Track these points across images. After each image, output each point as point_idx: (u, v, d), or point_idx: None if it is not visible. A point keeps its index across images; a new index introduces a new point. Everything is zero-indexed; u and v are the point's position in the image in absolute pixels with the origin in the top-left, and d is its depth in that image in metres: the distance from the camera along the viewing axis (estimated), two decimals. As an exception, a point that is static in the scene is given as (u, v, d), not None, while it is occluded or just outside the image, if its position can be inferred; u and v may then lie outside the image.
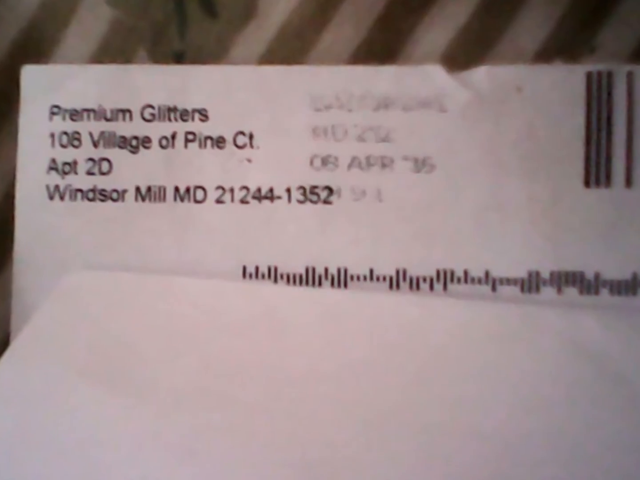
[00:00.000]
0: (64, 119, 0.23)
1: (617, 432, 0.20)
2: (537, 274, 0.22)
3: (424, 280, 0.22)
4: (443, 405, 0.21)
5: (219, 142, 0.23)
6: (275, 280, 0.23)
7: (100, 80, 0.23)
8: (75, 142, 0.23)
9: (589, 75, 0.22)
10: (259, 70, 0.23)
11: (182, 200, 0.23)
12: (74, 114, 0.23)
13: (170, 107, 0.23)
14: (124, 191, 0.23)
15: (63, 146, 0.23)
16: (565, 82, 0.22)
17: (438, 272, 0.22)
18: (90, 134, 0.23)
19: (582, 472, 0.20)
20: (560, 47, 0.23)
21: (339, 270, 0.22)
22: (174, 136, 0.23)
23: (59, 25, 0.24)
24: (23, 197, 0.23)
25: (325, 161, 0.23)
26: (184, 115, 0.23)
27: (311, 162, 0.23)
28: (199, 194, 0.23)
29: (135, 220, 0.23)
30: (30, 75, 0.23)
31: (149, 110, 0.23)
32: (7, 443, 0.20)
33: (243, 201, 0.23)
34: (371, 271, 0.22)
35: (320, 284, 0.22)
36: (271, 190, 0.23)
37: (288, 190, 0.23)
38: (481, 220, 0.22)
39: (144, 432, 0.20)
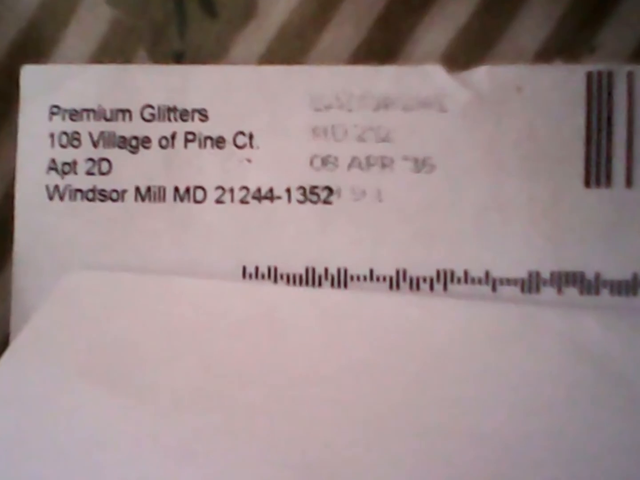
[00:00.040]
0: (63, 119, 0.23)
1: (617, 433, 0.20)
2: (538, 274, 0.22)
3: (424, 280, 0.22)
4: (443, 405, 0.21)
5: (219, 142, 0.23)
6: (275, 281, 0.23)
7: (99, 80, 0.23)
8: (75, 142, 0.23)
9: (589, 75, 0.22)
10: (259, 70, 0.23)
11: (181, 200, 0.23)
12: (74, 114, 0.23)
13: (170, 107, 0.23)
14: (124, 191, 0.23)
15: (63, 146, 0.23)
16: (565, 82, 0.22)
17: (438, 273, 0.22)
18: (90, 134, 0.23)
19: (583, 473, 0.20)
20: (561, 47, 0.23)
21: (339, 271, 0.22)
22: (173, 136, 0.23)
23: (59, 25, 0.24)
24: (22, 197, 0.23)
25: (325, 161, 0.23)
26: (184, 115, 0.23)
27: (311, 162, 0.23)
28: (199, 194, 0.23)
29: (135, 220, 0.23)
30: (30, 75, 0.23)
31: (149, 110, 0.23)
32: (6, 443, 0.20)
33: (243, 201, 0.23)
34: (371, 271, 0.22)
35: (320, 284, 0.22)
36: (271, 190, 0.23)
37: (288, 191, 0.23)
38: (481, 220, 0.22)
39: (143, 432, 0.20)
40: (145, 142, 0.23)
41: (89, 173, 0.23)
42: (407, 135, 0.23)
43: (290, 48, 0.23)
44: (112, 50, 0.24)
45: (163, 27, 0.23)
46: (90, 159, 0.23)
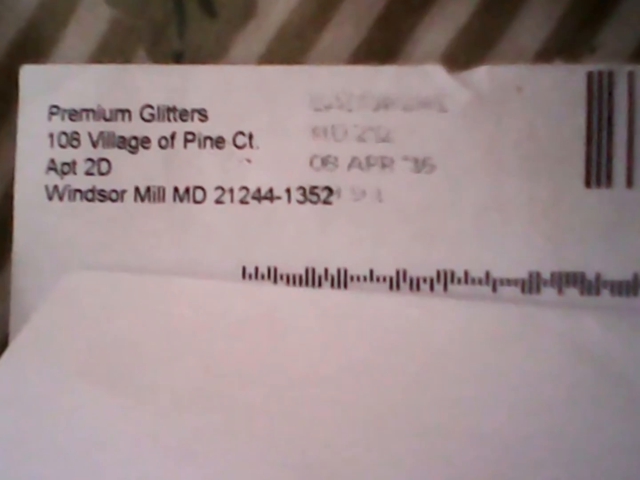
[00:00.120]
0: (62, 119, 0.23)
1: (618, 433, 0.20)
2: (538, 274, 0.22)
3: (424, 280, 0.22)
4: (443, 406, 0.21)
5: (219, 142, 0.23)
6: (275, 281, 0.23)
7: (99, 80, 0.23)
8: (74, 142, 0.23)
9: (589, 75, 0.22)
10: (259, 70, 0.23)
11: (181, 200, 0.23)
12: (73, 114, 0.23)
13: (170, 107, 0.23)
14: (123, 191, 0.23)
15: (62, 146, 0.23)
16: (565, 82, 0.22)
17: (438, 273, 0.22)
18: (89, 134, 0.23)
19: (583, 474, 0.20)
20: (561, 47, 0.23)
21: (338, 271, 0.22)
22: (173, 136, 0.23)
23: (58, 25, 0.24)
24: (22, 197, 0.23)
25: (325, 161, 0.23)
26: (184, 115, 0.23)
27: (311, 162, 0.23)
28: (199, 194, 0.23)
29: (134, 220, 0.23)
30: (29, 75, 0.23)
31: (148, 110, 0.23)
32: (6, 444, 0.20)
33: (243, 201, 0.23)
34: (371, 272, 0.22)
35: (320, 284, 0.22)
36: (271, 190, 0.23)
37: (288, 191, 0.23)
38: (482, 220, 0.22)
39: (143, 433, 0.20)
40: (144, 142, 0.23)
41: (89, 173, 0.23)
42: (407, 135, 0.23)
43: (290, 48, 0.23)
44: (112, 50, 0.24)
45: (162, 27, 0.23)
46: (90, 159, 0.23)
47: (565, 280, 0.22)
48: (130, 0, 0.24)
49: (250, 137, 0.23)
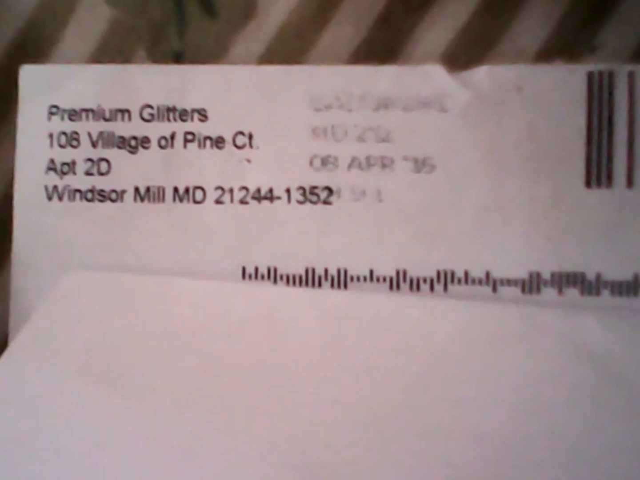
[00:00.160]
0: (62, 119, 0.23)
1: (618, 434, 0.20)
2: (538, 274, 0.22)
3: (425, 281, 0.22)
4: (443, 406, 0.21)
5: (218, 142, 0.23)
6: (275, 281, 0.23)
7: (99, 80, 0.23)
8: (74, 142, 0.23)
9: (590, 75, 0.22)
10: (259, 70, 0.23)
11: (181, 200, 0.23)
12: (73, 114, 0.23)
13: (169, 107, 0.23)
14: (123, 191, 0.23)
15: (61, 146, 0.23)
16: (566, 82, 0.22)
17: (438, 273, 0.22)
18: (89, 134, 0.23)
19: (584, 474, 0.20)
20: (561, 47, 0.23)
21: (338, 271, 0.22)
22: (173, 136, 0.23)
23: (58, 25, 0.24)
24: (21, 197, 0.23)
25: (325, 161, 0.23)
26: (183, 115, 0.23)
27: (311, 163, 0.23)
28: (198, 195, 0.23)
29: (134, 220, 0.23)
30: (29, 75, 0.23)
31: (148, 110, 0.23)
32: (5, 444, 0.20)
33: (242, 202, 0.23)
34: (371, 272, 0.22)
35: (320, 284, 0.22)
36: (271, 190, 0.23)
37: (288, 191, 0.23)
38: (482, 220, 0.22)
39: (142, 433, 0.20)
40: (144, 142, 0.23)
41: (88, 173, 0.23)
42: (407, 136, 0.22)
43: (290, 48, 0.23)
44: (111, 50, 0.23)
45: (162, 26, 0.23)
46: (89, 159, 0.23)
47: (565, 280, 0.22)
48: (130, 0, 0.24)
49: (250, 137, 0.23)
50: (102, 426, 0.20)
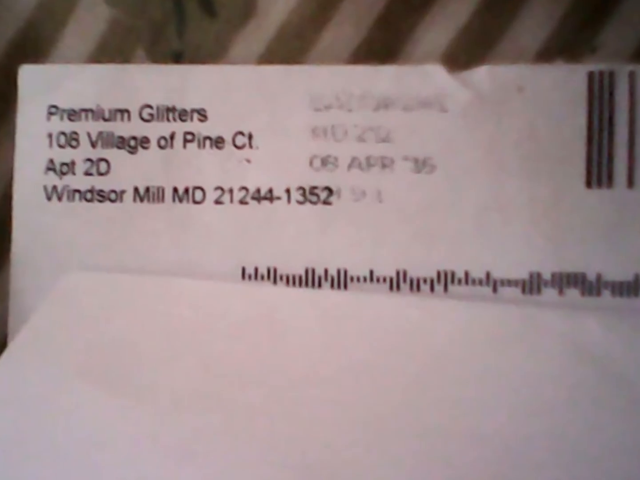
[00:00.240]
0: (61, 119, 0.23)
1: (619, 434, 0.20)
2: (539, 275, 0.22)
3: (425, 281, 0.22)
4: (443, 406, 0.20)
5: (218, 142, 0.23)
6: (275, 282, 0.22)
7: (98, 80, 0.23)
8: (73, 143, 0.23)
9: (590, 75, 0.22)
10: (258, 70, 0.23)
11: (180, 201, 0.23)
12: (72, 114, 0.23)
13: (169, 107, 0.23)
14: (122, 192, 0.23)
15: (61, 146, 0.23)
16: (566, 81, 0.22)
17: (439, 273, 0.22)
18: (88, 134, 0.23)
19: (584, 475, 0.20)
20: (562, 47, 0.23)
21: (338, 272, 0.22)
22: (172, 136, 0.23)
23: (57, 24, 0.24)
24: (21, 197, 0.23)
25: (325, 161, 0.23)
26: (183, 115, 0.23)
27: (311, 163, 0.23)
28: (198, 195, 0.23)
29: (133, 221, 0.23)
30: (28, 75, 0.23)
31: (148, 110, 0.23)
32: (5, 444, 0.20)
33: (242, 202, 0.23)
34: (371, 272, 0.22)
35: (320, 285, 0.22)
36: (270, 190, 0.23)
37: (287, 191, 0.23)
38: (482, 221, 0.22)
39: (142, 433, 0.20)
40: (143, 142, 0.23)
41: (87, 173, 0.23)
42: (407, 136, 0.22)
43: (289, 48, 0.23)
44: (111, 50, 0.23)
45: (162, 26, 0.23)
46: (89, 159, 0.23)
47: (566, 280, 0.22)
48: (129, 0, 0.23)
49: (250, 137, 0.23)
50: (101, 426, 0.20)
